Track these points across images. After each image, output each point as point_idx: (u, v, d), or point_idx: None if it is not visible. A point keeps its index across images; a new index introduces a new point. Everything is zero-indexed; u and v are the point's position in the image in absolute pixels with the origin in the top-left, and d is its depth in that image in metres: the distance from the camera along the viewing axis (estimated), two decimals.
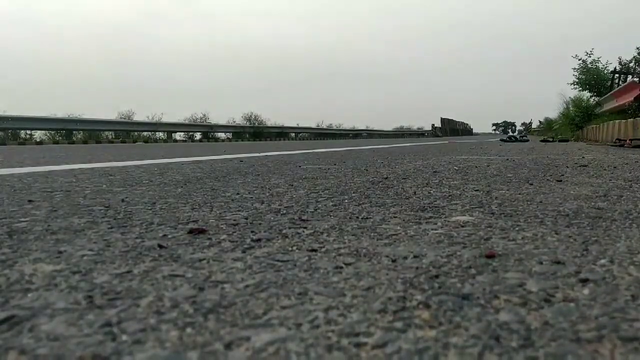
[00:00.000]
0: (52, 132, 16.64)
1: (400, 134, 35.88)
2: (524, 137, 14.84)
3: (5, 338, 0.51)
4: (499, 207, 1.31)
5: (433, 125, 39.33)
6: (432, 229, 1.03)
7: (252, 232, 1.01)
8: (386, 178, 2.14)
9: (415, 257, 0.81)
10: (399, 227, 1.05)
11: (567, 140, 11.25)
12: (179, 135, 19.58)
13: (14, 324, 0.54)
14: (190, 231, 1.01)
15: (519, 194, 1.59)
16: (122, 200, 1.47)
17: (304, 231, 1.02)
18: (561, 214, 1.19)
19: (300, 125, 25.89)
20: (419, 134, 38.08)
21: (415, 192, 1.64)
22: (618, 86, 12.31)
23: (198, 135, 20.10)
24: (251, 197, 1.54)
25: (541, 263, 0.76)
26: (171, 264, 0.77)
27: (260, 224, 1.10)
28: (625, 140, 6.92)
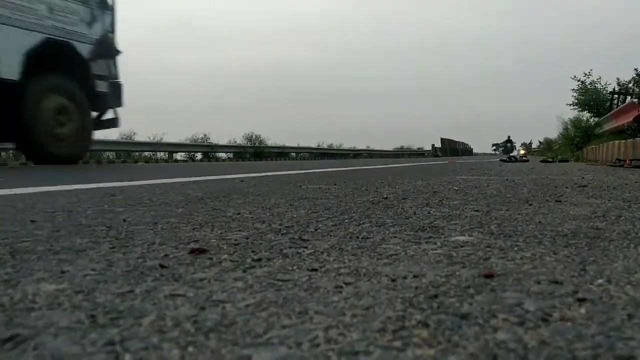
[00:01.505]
0: None
1: (401, 153, 35.99)
2: (512, 149, 15.79)
3: (9, 357, 0.51)
4: (498, 227, 1.32)
5: (433, 145, 39.46)
6: (431, 249, 1.03)
7: (252, 251, 1.02)
8: (386, 198, 2.15)
9: (414, 276, 0.81)
10: (398, 247, 1.06)
11: (567, 161, 11.29)
12: (180, 155, 19.64)
13: (18, 343, 0.55)
14: (192, 251, 1.02)
15: (518, 214, 1.60)
16: (124, 220, 1.48)
17: (304, 251, 1.03)
18: (560, 234, 1.20)
19: (301, 145, 25.98)
20: (419, 154, 38.18)
21: (415, 212, 1.65)
22: (617, 107, 12.39)
23: (199, 155, 20.16)
24: (252, 217, 1.55)
25: (539, 283, 0.77)
26: (173, 284, 0.78)
27: (260, 243, 1.11)
28: (625, 161, 6.95)
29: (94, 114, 8.46)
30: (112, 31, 8.42)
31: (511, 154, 18.18)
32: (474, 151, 59.83)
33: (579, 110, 16.27)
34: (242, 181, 3.46)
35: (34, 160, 7.97)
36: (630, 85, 13.24)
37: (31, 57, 6.99)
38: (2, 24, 6.66)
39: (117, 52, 8.52)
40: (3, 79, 6.65)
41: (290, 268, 0.88)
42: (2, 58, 6.63)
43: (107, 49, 8.27)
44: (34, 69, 7.02)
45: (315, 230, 1.30)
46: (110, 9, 8.33)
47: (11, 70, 6.74)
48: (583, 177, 3.74)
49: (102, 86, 8.25)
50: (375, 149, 34.54)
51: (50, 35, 7.31)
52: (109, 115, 8.78)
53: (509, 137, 27.80)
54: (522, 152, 20.64)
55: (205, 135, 23.48)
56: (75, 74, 7.85)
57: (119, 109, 8.70)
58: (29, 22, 7.01)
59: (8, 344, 0.54)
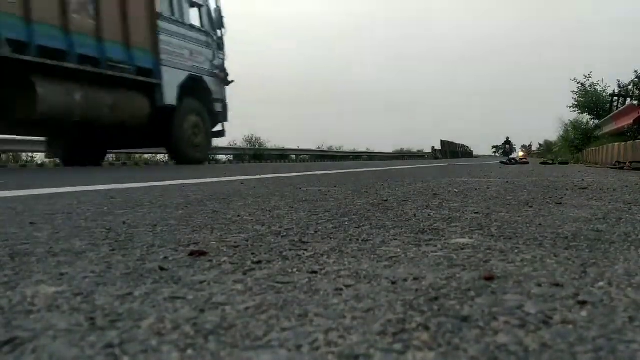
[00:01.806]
0: None
1: (401, 156, 36.01)
2: (511, 151, 16.44)
3: None
4: (499, 230, 1.31)
5: (433, 147, 39.48)
6: (431, 251, 1.03)
7: (252, 254, 1.02)
8: (386, 200, 2.15)
9: (415, 279, 0.81)
10: (398, 249, 1.06)
11: (567, 163, 11.28)
12: None
13: (17, 346, 0.54)
14: (191, 253, 1.02)
15: (519, 216, 1.60)
16: (124, 223, 1.48)
17: (304, 253, 1.02)
18: (560, 237, 1.20)
19: (301, 147, 25.98)
20: (419, 156, 38.20)
21: (415, 215, 1.64)
22: (617, 109, 12.39)
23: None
24: (252, 219, 1.54)
25: (540, 285, 0.77)
26: (172, 286, 0.78)
27: (260, 246, 1.11)
28: (625, 163, 6.94)
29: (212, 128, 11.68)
30: (224, 66, 11.68)
31: (511, 157, 18.12)
32: (473, 153, 59.85)
33: (578, 113, 16.28)
34: (242, 183, 3.46)
35: (177, 161, 10.99)
36: (630, 87, 13.25)
37: (181, 88, 10.12)
38: (166, 66, 9.74)
39: (228, 82, 11.77)
40: (168, 105, 9.75)
41: (290, 270, 0.88)
42: (167, 90, 9.69)
43: (221, 79, 11.60)
44: (181, 97, 10.16)
45: (315, 232, 1.29)
46: (223, 51, 11.65)
47: (172, 98, 9.86)
48: (583, 180, 3.74)
49: (217, 107, 11.55)
50: (375, 151, 34.55)
51: (190, 72, 10.54)
52: (219, 128, 11.94)
53: (507, 138, 27.39)
54: (522, 154, 20.62)
55: None
56: (203, 99, 11.04)
57: (225, 123, 12.02)
58: (180, 64, 10.22)
59: (6, 347, 0.54)
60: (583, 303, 0.68)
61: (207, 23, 11.19)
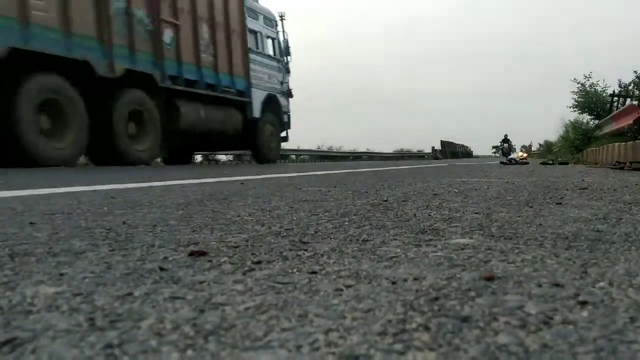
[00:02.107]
0: None
1: (401, 156, 36.00)
2: (510, 150, 16.81)
3: None
4: (499, 230, 1.31)
5: (433, 147, 39.48)
6: (432, 252, 1.03)
7: (252, 254, 1.02)
8: (386, 200, 2.15)
9: (415, 279, 0.81)
10: (399, 250, 1.06)
11: (567, 163, 11.28)
12: None
13: (16, 346, 0.54)
14: (191, 253, 1.02)
15: (519, 216, 1.60)
16: (123, 223, 1.47)
17: (304, 253, 1.02)
18: (560, 237, 1.20)
19: (301, 147, 25.97)
20: (419, 156, 38.20)
21: (415, 215, 1.64)
22: (617, 109, 12.39)
23: (199, 158, 20.17)
24: (252, 220, 1.54)
25: (540, 285, 0.77)
26: (172, 286, 0.78)
27: (260, 246, 1.11)
28: (625, 163, 6.94)
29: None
30: (289, 85, 14.58)
31: (511, 157, 18.04)
32: (473, 153, 59.86)
33: (578, 113, 16.28)
34: (242, 183, 3.46)
35: (258, 161, 13.71)
36: (631, 87, 13.24)
37: (262, 104, 12.96)
38: (254, 88, 12.54)
39: (291, 95, 14.71)
40: (254, 118, 12.56)
41: (290, 271, 0.88)
42: (255, 107, 12.56)
43: (287, 95, 14.50)
44: (262, 111, 12.99)
45: (315, 232, 1.29)
46: (289, 73, 14.56)
47: (257, 112, 12.74)
48: (583, 180, 3.74)
49: (284, 118, 14.38)
50: (376, 151, 34.54)
51: (268, 91, 13.35)
52: (284, 134, 14.66)
53: (505, 136, 26.09)
54: (521, 154, 20.50)
55: None
56: (275, 112, 13.74)
57: (289, 130, 14.84)
58: (262, 86, 13.05)
59: (6, 347, 0.54)
60: (584, 303, 0.68)
61: (278, 52, 14.22)
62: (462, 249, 1.05)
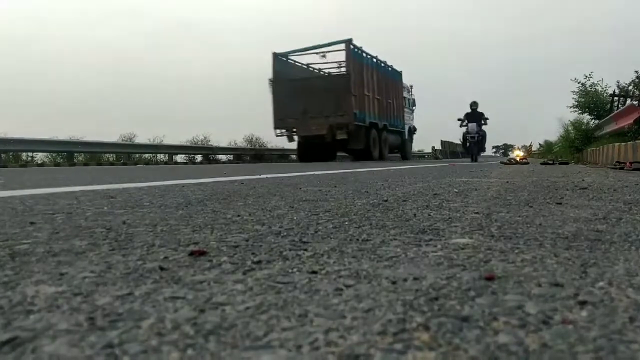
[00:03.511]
0: (54, 155, 16.72)
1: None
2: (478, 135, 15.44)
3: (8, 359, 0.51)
4: (499, 230, 1.31)
5: (433, 147, 39.47)
6: (432, 251, 1.03)
7: (252, 254, 1.02)
8: (386, 200, 2.15)
9: (415, 279, 0.81)
10: (399, 249, 1.06)
11: (567, 163, 11.27)
12: (180, 157, 19.67)
13: (17, 345, 0.54)
14: (191, 253, 1.02)
15: (519, 216, 1.60)
16: (124, 222, 1.47)
17: (304, 253, 1.02)
18: (560, 237, 1.20)
19: None
20: (420, 156, 38.19)
21: (415, 215, 1.64)
22: (617, 109, 12.38)
23: (199, 158, 20.19)
24: (252, 219, 1.54)
25: (540, 285, 0.77)
26: (172, 286, 0.78)
27: (260, 246, 1.11)
28: (625, 163, 6.94)
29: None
30: (414, 120, 24.17)
31: (510, 157, 17.91)
32: None
33: (579, 113, 16.26)
34: (242, 183, 3.46)
35: (404, 159, 20.85)
36: (631, 87, 13.23)
37: (407, 131, 22.44)
38: (405, 123, 21.90)
39: (415, 128, 24.38)
40: (405, 138, 21.92)
41: (290, 270, 0.88)
42: (405, 132, 21.90)
43: (414, 127, 24.06)
44: (408, 134, 22.69)
45: (316, 232, 1.29)
46: (414, 114, 24.12)
47: (406, 135, 22.11)
48: (583, 180, 3.74)
49: (413, 137, 24.29)
50: None
51: (408, 125, 22.64)
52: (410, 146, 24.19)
53: (473, 104, 16.25)
54: (520, 154, 20.23)
55: (205, 137, 23.53)
56: (410, 135, 23.22)
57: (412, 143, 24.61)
58: (406, 122, 22.18)
59: (6, 347, 0.54)
60: (583, 303, 0.68)
61: (411, 104, 23.61)
62: (462, 249, 1.06)
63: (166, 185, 3.30)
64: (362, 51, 16.49)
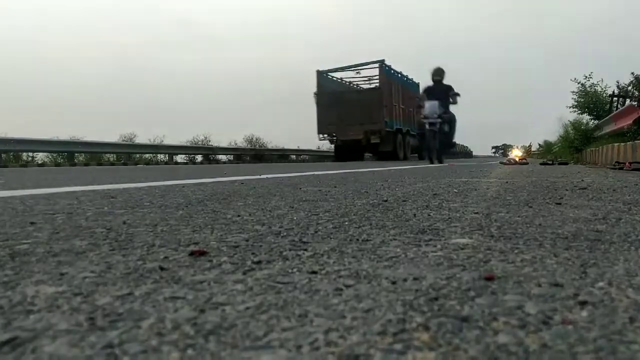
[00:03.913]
0: (54, 155, 16.73)
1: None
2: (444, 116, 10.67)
3: None
4: (498, 230, 1.31)
5: None
6: (431, 252, 1.03)
7: (252, 254, 1.02)
8: (386, 200, 2.15)
9: (415, 279, 0.81)
10: (398, 250, 1.06)
11: (566, 163, 11.27)
12: (180, 158, 19.68)
13: (17, 346, 0.54)
14: (191, 253, 1.02)
15: (518, 216, 1.60)
16: (124, 223, 1.47)
17: (304, 253, 1.02)
18: (560, 237, 1.20)
19: (301, 147, 26.00)
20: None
21: (415, 215, 1.64)
22: (617, 109, 12.39)
23: (199, 158, 20.19)
24: (252, 219, 1.54)
25: (540, 285, 0.77)
26: (172, 286, 0.78)
27: (260, 246, 1.11)
28: (625, 163, 6.94)
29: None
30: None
31: (510, 157, 17.83)
32: (473, 153, 59.84)
33: (578, 113, 16.25)
34: (242, 183, 3.46)
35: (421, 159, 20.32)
36: (630, 88, 13.23)
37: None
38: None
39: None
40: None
41: (290, 270, 0.88)
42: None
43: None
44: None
45: (315, 232, 1.29)
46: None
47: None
48: (583, 180, 3.74)
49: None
50: None
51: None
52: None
53: (436, 72, 11.47)
54: (516, 153, 19.73)
55: (205, 137, 23.54)
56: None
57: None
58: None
59: (6, 347, 0.54)
60: (583, 303, 0.68)
61: None
62: (462, 249, 1.06)
63: (166, 185, 3.30)
64: (391, 68, 19.17)
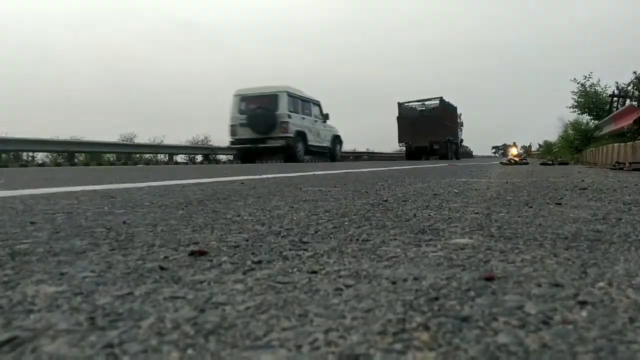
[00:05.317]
0: (55, 155, 16.74)
1: (401, 156, 36.05)
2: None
3: (7, 359, 0.51)
4: (499, 230, 1.31)
5: None
6: (431, 252, 1.03)
7: (252, 254, 1.02)
8: (386, 200, 2.15)
9: (415, 279, 0.81)
10: (398, 250, 1.06)
11: (566, 163, 11.27)
12: (180, 158, 19.68)
13: (17, 345, 0.54)
14: (191, 253, 1.02)
15: (518, 216, 1.60)
16: (124, 222, 1.48)
17: (304, 253, 1.02)
18: (560, 237, 1.20)
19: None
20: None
21: (415, 215, 1.64)
22: (616, 109, 12.39)
23: (199, 158, 20.19)
24: (252, 219, 1.54)
25: (540, 285, 0.77)
26: (172, 286, 0.78)
27: (260, 245, 1.11)
28: (625, 164, 6.94)
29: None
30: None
31: (509, 157, 17.76)
32: (473, 153, 59.83)
33: (578, 113, 16.25)
34: (242, 183, 3.46)
35: (443, 158, 26.14)
36: (630, 88, 13.22)
37: (460, 141, 32.48)
38: (459, 137, 32.02)
39: (462, 140, 35.49)
40: (459, 147, 32.06)
41: (290, 270, 0.88)
42: (459, 143, 32.81)
43: (461, 140, 34.53)
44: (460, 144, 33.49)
45: (316, 232, 1.29)
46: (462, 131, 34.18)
47: (459, 145, 32.08)
48: (583, 180, 3.74)
49: (460, 143, 34.78)
50: (376, 151, 34.49)
51: (460, 137, 33.68)
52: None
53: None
54: (512, 151, 19.29)
55: (205, 137, 23.55)
56: (460, 143, 36.82)
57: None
58: (460, 137, 32.98)
59: (6, 347, 0.54)
60: (583, 303, 0.68)
61: (460, 123, 32.10)
62: (462, 249, 1.06)
63: (166, 185, 3.30)
64: (445, 100, 27.72)
